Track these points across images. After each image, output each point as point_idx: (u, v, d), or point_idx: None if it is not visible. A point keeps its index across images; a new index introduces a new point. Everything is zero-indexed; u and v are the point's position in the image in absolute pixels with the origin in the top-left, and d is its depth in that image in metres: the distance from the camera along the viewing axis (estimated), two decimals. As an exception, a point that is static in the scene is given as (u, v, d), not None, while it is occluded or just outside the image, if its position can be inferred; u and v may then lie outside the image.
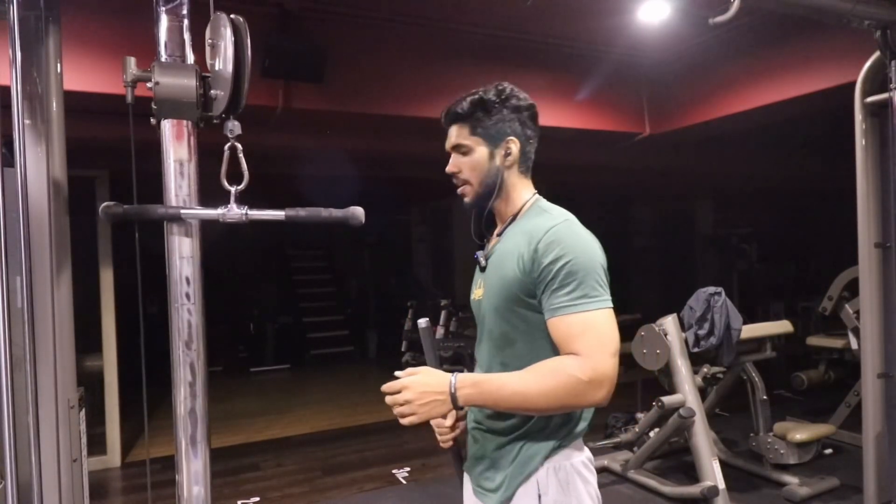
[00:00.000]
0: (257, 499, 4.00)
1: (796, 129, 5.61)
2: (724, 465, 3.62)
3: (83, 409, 1.57)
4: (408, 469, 4.43)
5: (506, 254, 1.38)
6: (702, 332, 3.59)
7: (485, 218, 1.49)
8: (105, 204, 1.24)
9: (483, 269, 1.47)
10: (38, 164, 1.35)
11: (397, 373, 1.30)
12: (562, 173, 6.11)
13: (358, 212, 1.34)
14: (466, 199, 1.46)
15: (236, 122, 1.32)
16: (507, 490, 1.37)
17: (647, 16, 3.70)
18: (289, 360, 8.66)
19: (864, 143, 2.94)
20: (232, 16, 1.27)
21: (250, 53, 1.28)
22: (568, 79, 4.75)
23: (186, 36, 1.31)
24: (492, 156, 1.41)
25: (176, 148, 1.29)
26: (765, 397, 4.04)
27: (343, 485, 4.21)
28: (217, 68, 1.29)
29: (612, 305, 1.27)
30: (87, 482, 1.58)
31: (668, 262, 9.88)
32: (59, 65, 1.41)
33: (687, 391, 3.58)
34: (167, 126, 1.29)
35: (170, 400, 1.33)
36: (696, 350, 3.62)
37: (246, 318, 9.14)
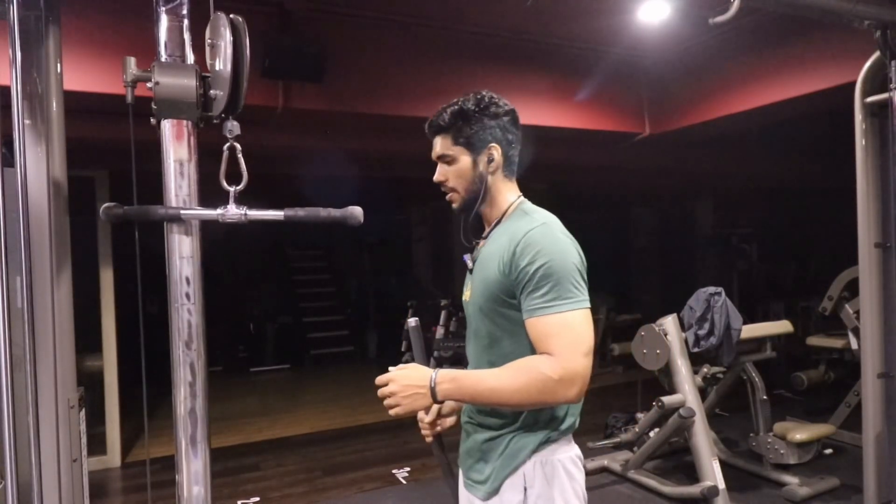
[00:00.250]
0: (257, 499, 4.00)
1: (796, 129, 5.60)
2: (724, 465, 3.62)
3: (83, 409, 1.57)
4: (408, 469, 4.42)
5: (489, 256, 1.42)
6: (702, 332, 3.60)
7: (472, 222, 1.54)
8: (106, 205, 1.24)
9: (471, 272, 1.52)
10: (38, 164, 1.35)
11: (390, 367, 1.37)
12: (562, 173, 6.12)
13: (357, 212, 1.35)
14: (454, 206, 1.52)
15: (235, 122, 1.32)
16: (494, 482, 1.41)
17: (647, 16, 3.71)
18: (289, 360, 8.66)
19: (864, 143, 2.94)
20: (231, 16, 1.27)
21: (250, 53, 1.28)
22: (568, 79, 4.75)
23: (186, 36, 1.32)
24: (475, 163, 1.46)
25: (176, 148, 1.29)
26: (765, 397, 4.04)
27: (343, 485, 4.21)
28: (217, 68, 1.29)
29: (588, 306, 1.32)
30: (87, 482, 1.58)
31: (668, 262, 9.86)
32: (59, 65, 1.41)
33: (687, 391, 3.58)
34: (167, 126, 1.29)
35: (170, 400, 1.33)
36: (696, 350, 3.62)
37: (246, 318, 9.13)
